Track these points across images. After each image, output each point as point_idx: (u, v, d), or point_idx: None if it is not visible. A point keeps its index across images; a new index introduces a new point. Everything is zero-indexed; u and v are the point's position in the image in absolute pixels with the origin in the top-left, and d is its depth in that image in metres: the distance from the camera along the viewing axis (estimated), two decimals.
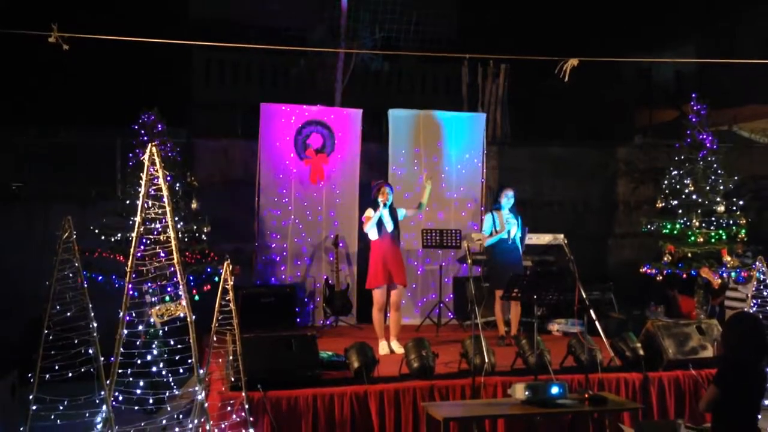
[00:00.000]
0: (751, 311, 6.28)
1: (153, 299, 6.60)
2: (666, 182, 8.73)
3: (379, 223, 7.16)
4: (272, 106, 9.29)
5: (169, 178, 7.06)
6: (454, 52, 9.42)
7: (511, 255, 7.72)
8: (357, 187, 9.33)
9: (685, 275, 8.24)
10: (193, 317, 5.00)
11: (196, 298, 7.39)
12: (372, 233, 7.19)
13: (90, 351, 4.65)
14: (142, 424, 5.11)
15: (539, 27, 13.70)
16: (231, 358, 5.43)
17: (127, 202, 7.92)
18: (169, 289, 5.26)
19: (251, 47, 9.94)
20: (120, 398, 4.84)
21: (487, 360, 5.87)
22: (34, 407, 4.65)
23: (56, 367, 4.64)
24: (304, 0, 11.89)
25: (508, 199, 7.73)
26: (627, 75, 16.40)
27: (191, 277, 7.57)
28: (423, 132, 9.62)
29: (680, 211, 8.50)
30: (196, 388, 4.97)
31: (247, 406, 5.29)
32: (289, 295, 8.80)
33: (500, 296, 7.54)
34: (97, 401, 4.69)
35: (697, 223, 8.28)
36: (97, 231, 7.85)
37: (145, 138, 7.88)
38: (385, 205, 7.15)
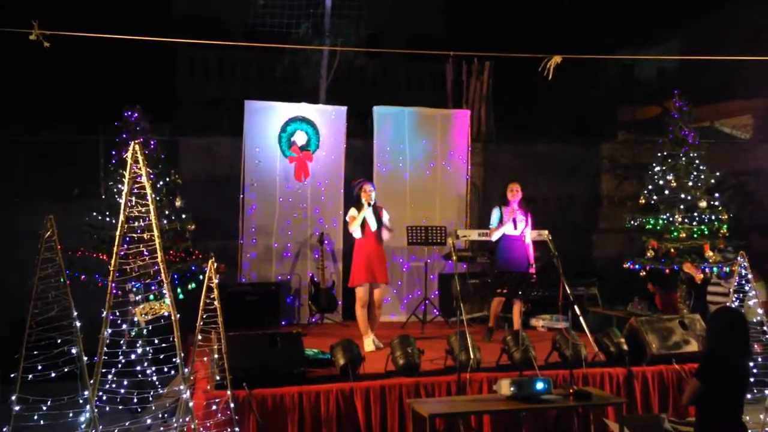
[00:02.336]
0: (734, 306, 6.33)
1: (137, 298, 6.59)
2: (649, 178, 8.78)
3: (363, 222, 7.17)
4: (257, 103, 9.26)
5: (152, 176, 7.04)
6: (438, 49, 9.41)
7: (519, 252, 7.61)
8: (342, 185, 9.32)
9: (668, 270, 8.30)
10: (178, 316, 4.97)
11: (181, 296, 7.36)
12: (356, 233, 7.20)
13: (73, 350, 4.61)
14: (127, 423, 5.08)
15: (523, 24, 13.75)
16: (216, 356, 5.41)
17: (111, 200, 7.85)
18: (153, 287, 5.22)
19: (235, 44, 9.90)
20: (104, 398, 4.80)
21: (472, 356, 5.90)
22: (17, 408, 4.60)
23: (39, 367, 4.61)
24: None
25: (513, 193, 7.67)
26: (610, 72, 16.50)
27: (176, 276, 7.53)
28: (408, 129, 9.62)
29: (663, 206, 8.56)
30: (181, 387, 4.95)
31: (232, 405, 5.27)
32: (274, 292, 8.78)
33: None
34: (81, 401, 4.65)
35: (679, 219, 8.34)
36: (80, 229, 7.78)
37: (128, 135, 7.82)
38: (369, 204, 7.15)
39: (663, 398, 6.36)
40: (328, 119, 9.43)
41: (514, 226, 7.58)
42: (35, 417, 4.64)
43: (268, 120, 9.20)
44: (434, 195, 9.66)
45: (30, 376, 4.63)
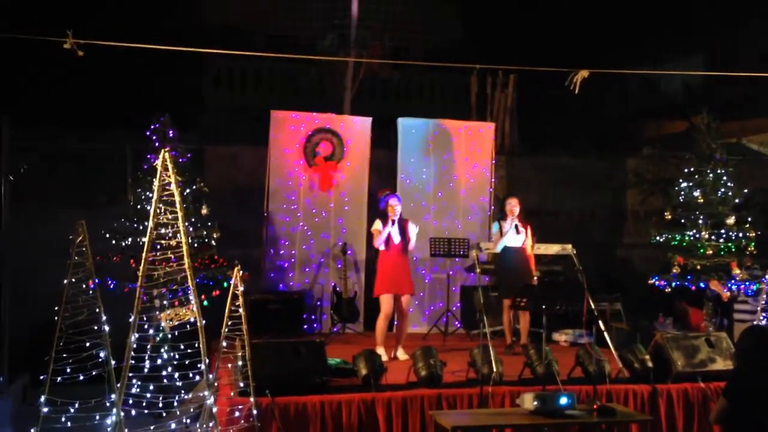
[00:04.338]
0: (761, 324, 6.25)
1: (163, 303, 6.64)
2: (675, 194, 8.72)
3: (387, 236, 7.21)
4: (282, 114, 9.34)
5: (180, 184, 7.11)
6: (463, 61, 9.44)
7: (521, 265, 7.70)
8: (366, 195, 9.35)
9: (694, 287, 8.22)
10: (203, 322, 5.02)
11: (205, 303, 7.41)
12: (380, 246, 7.25)
13: (101, 354, 4.66)
14: (151, 428, 5.11)
15: (549, 38, 13.73)
16: (240, 363, 5.44)
17: (138, 207, 7.95)
18: (179, 294, 5.28)
19: (261, 55, 10.00)
20: (130, 402, 4.85)
21: (495, 369, 5.87)
22: (45, 409, 4.66)
23: (68, 370, 4.66)
24: (315, 8, 11.94)
25: (511, 207, 7.73)
26: (635, 86, 16.41)
27: (204, 282, 7.61)
28: (432, 141, 9.64)
29: (689, 223, 8.49)
30: (206, 393, 4.98)
31: (255, 412, 5.29)
32: (297, 301, 8.82)
33: (508, 306, 7.54)
34: (108, 404, 4.70)
35: (706, 236, 8.27)
36: (107, 236, 7.88)
37: (156, 143, 7.92)
38: (393, 222, 7.18)
39: (688, 416, 6.27)
40: (353, 130, 9.48)
41: (517, 231, 7.59)
42: (63, 419, 4.69)
43: (293, 130, 9.27)
44: (457, 207, 9.66)
45: (59, 378, 4.69)
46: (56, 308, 4.68)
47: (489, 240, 9.46)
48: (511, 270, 7.69)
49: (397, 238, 7.24)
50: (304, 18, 11.74)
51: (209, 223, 8.28)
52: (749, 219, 8.46)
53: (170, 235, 5.06)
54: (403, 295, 7.23)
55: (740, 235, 8.23)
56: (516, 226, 7.62)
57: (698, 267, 8.26)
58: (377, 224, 7.32)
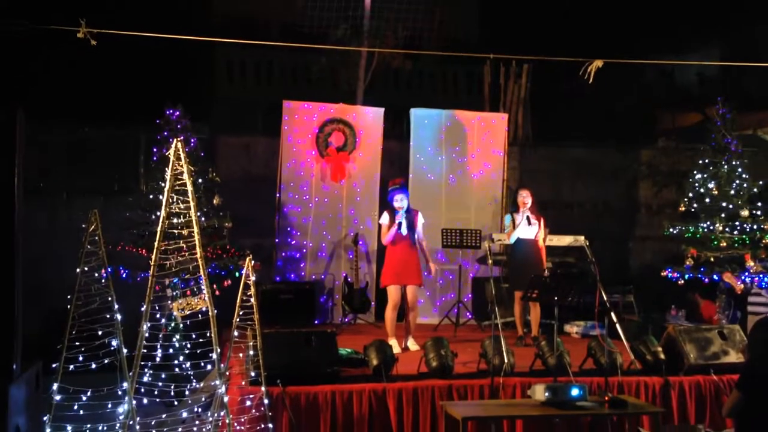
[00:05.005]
0: None
1: (174, 293, 6.68)
2: (689, 185, 8.65)
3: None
4: (294, 104, 9.33)
5: (192, 173, 7.13)
6: (476, 52, 9.38)
7: (531, 256, 7.68)
8: (378, 186, 9.34)
9: (707, 280, 8.16)
10: (215, 311, 5.03)
11: (217, 293, 7.44)
12: (388, 239, 7.25)
13: (114, 343, 4.69)
14: (163, 416, 5.14)
15: (562, 27, 13.63)
16: (251, 353, 5.46)
17: (150, 196, 7.98)
18: (191, 283, 5.30)
19: (274, 44, 10.00)
20: (141, 390, 4.88)
21: (506, 360, 5.86)
22: (58, 397, 4.70)
23: (80, 358, 4.69)
24: None
25: (523, 199, 7.70)
26: (650, 77, 16.27)
27: (216, 271, 7.63)
28: (444, 132, 9.61)
29: (703, 215, 8.42)
30: (217, 382, 5.00)
31: (266, 401, 5.31)
32: (309, 292, 8.83)
33: (520, 297, 7.52)
34: (120, 392, 4.73)
35: (720, 228, 8.20)
36: (120, 225, 7.92)
37: (169, 133, 7.94)
38: (399, 225, 7.18)
39: (700, 409, 6.24)
40: (365, 120, 9.46)
41: (529, 223, 7.57)
42: (75, 407, 4.72)
43: (305, 120, 9.26)
44: (470, 198, 9.62)
45: (71, 366, 4.72)
46: (69, 297, 4.70)
47: (501, 231, 9.44)
48: (523, 262, 7.67)
49: (404, 230, 7.23)
50: (318, 7, 11.70)
51: (221, 213, 8.30)
52: (764, 211, 8.38)
53: (182, 224, 5.08)
54: (410, 285, 7.23)
55: (755, 227, 8.15)
56: (528, 218, 7.60)
57: (712, 259, 8.20)
58: (385, 217, 7.32)
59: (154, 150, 8.08)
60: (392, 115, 9.88)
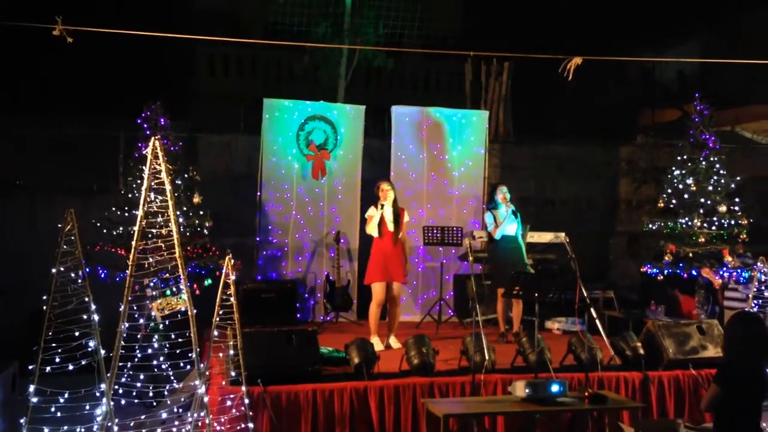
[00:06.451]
0: (751, 311, 6.27)
1: (154, 293, 6.63)
2: (668, 182, 8.72)
3: (381, 222, 7.19)
4: (275, 101, 9.28)
5: (171, 172, 7.08)
6: (457, 49, 9.39)
7: (513, 253, 7.70)
8: (359, 184, 9.33)
9: (686, 275, 8.24)
10: (194, 311, 5.00)
11: (197, 292, 7.40)
12: (374, 232, 7.23)
13: (91, 344, 4.64)
14: (142, 417, 5.10)
15: (543, 25, 13.69)
16: (231, 352, 5.43)
17: (129, 195, 7.91)
18: (170, 283, 5.26)
19: (255, 42, 9.95)
20: (120, 391, 4.84)
21: (487, 357, 5.88)
22: (34, 399, 4.64)
23: (57, 360, 4.64)
24: None
25: (503, 196, 7.72)
26: (630, 74, 16.39)
27: (196, 271, 7.58)
28: (426, 129, 9.61)
29: (682, 210, 8.50)
30: (197, 382, 4.97)
31: (246, 401, 5.29)
32: (290, 290, 8.79)
33: (501, 294, 7.54)
34: (98, 394, 4.69)
35: (698, 223, 8.27)
36: (99, 224, 7.85)
37: (148, 131, 7.88)
38: (382, 206, 7.16)
39: (679, 403, 6.30)
40: (346, 118, 9.44)
41: (516, 216, 7.61)
42: (52, 409, 4.67)
43: (286, 118, 9.22)
44: (451, 195, 9.63)
45: (48, 368, 4.66)
46: (44, 297, 4.65)
47: (482, 228, 9.47)
48: (503, 259, 7.69)
49: (390, 225, 7.22)
50: (299, 5, 11.66)
51: (201, 212, 8.24)
52: (741, 207, 8.46)
53: (161, 223, 5.04)
54: (394, 282, 7.23)
55: (732, 222, 8.24)
56: (513, 212, 7.59)
57: (690, 255, 8.28)
58: (371, 210, 7.31)
59: (140, 146, 7.98)
60: (373, 112, 9.86)
